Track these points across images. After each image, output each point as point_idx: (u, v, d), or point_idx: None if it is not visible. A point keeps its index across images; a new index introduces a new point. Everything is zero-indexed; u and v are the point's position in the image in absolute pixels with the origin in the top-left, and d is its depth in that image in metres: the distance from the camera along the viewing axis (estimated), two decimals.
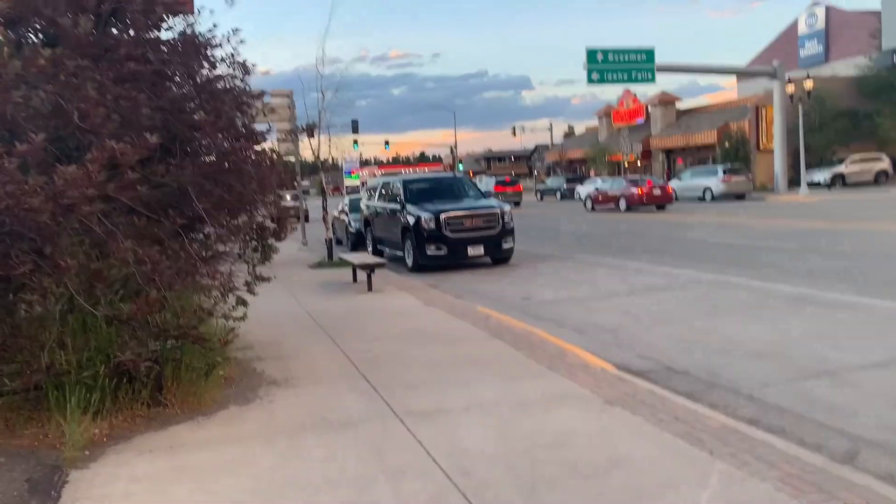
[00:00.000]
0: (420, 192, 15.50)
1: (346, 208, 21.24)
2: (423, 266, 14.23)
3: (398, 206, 15.18)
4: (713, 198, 35.72)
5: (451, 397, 5.54)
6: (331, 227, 15.54)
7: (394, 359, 6.84)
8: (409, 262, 14.51)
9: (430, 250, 13.93)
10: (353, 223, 20.00)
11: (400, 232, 14.91)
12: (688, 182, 38.18)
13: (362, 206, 18.28)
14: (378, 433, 4.84)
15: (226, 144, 5.56)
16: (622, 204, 32.49)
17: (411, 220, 14.32)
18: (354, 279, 12.36)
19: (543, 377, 6.01)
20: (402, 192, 15.36)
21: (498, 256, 14.65)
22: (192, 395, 5.54)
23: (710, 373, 6.34)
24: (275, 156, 7.44)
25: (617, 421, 4.92)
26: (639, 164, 53.76)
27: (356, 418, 5.16)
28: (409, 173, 17.11)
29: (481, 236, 14.06)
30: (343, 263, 14.66)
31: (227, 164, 5.67)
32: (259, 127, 7.39)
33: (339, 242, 22.38)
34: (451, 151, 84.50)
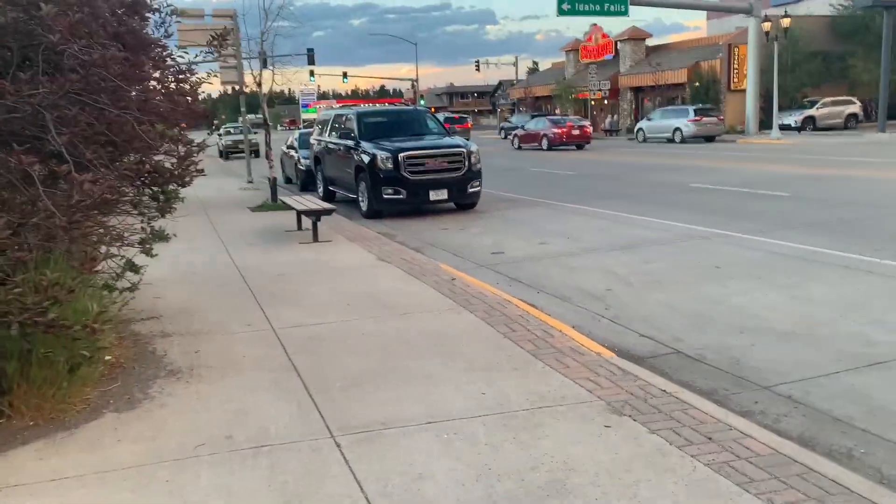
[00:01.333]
0: (376, 128, 13.83)
1: (296, 143, 19.39)
2: (379, 212, 12.70)
3: (351, 143, 13.51)
4: (682, 139, 34.58)
5: (406, 402, 4.14)
6: (275, 165, 13.84)
7: (335, 338, 5.40)
8: (364, 206, 12.96)
9: (387, 194, 12.38)
10: (302, 160, 18.22)
11: (353, 172, 13.29)
12: (657, 122, 36.92)
13: (312, 141, 16.52)
14: (302, 467, 3.43)
15: (95, 55, 3.94)
16: (544, 143, 34.09)
17: (366, 160, 12.70)
18: (299, 226, 10.80)
19: (528, 369, 4.65)
20: (356, 126, 13.67)
21: (463, 202, 13.18)
22: (51, 400, 4.05)
23: (731, 360, 5.06)
24: (187, 79, 5.81)
25: (631, 444, 3.59)
26: (605, 103, 52.26)
27: (274, 438, 3.74)
28: (367, 107, 15.62)
29: (445, 179, 12.54)
30: (288, 206, 13.09)
31: (99, 82, 4.05)
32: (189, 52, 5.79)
33: (289, 181, 20.63)
34: (413, 86, 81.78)
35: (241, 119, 20.02)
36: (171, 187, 5.85)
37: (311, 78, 75.97)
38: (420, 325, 5.69)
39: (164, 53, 5.28)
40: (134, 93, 4.01)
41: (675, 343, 5.46)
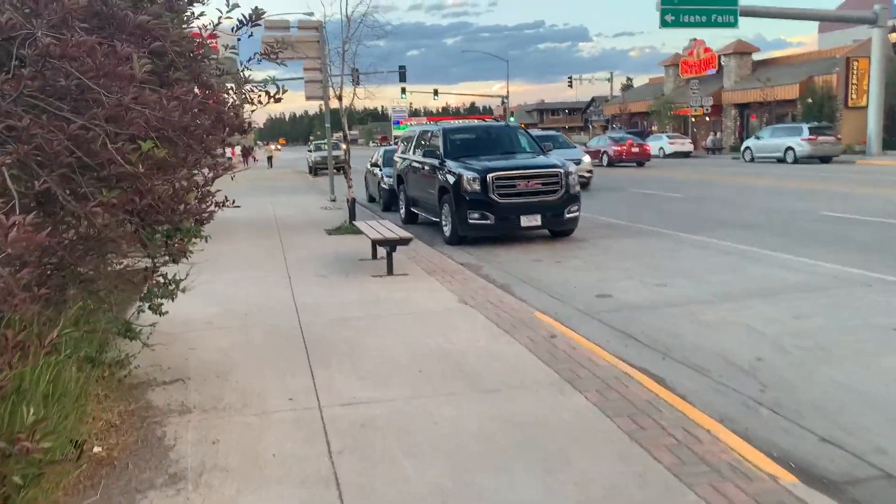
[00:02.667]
0: (464, 145, 12.53)
1: (380, 161, 18.37)
2: (463, 238, 11.35)
3: (436, 162, 12.25)
4: (795, 160, 31.75)
5: None
6: (353, 184, 12.74)
7: (395, 428, 4.02)
8: (447, 231, 11.64)
9: (473, 218, 11.02)
10: (385, 179, 17.14)
11: (437, 193, 12.01)
12: (767, 141, 34.13)
13: (395, 158, 15.39)
14: None
15: (47, 40, 2.74)
16: (604, 160, 34.09)
17: (451, 180, 11.40)
18: (374, 255, 9.56)
19: None
20: (441, 143, 12.41)
21: (559, 228, 11.67)
22: None
23: None
24: (222, 88, 4.65)
25: None
26: (707, 119, 49.43)
27: None
28: (455, 123, 14.62)
29: (538, 202, 11.06)
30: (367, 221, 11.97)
31: (63, 80, 2.84)
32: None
33: (372, 200, 19.63)
34: (503, 102, 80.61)
35: (328, 135, 19.17)
36: (186, 225, 4.63)
37: (403, 95, 76.11)
38: (510, 410, 4.24)
39: (190, 50, 4.05)
40: (112, 97, 2.78)
41: (877, 457, 3.80)
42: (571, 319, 6.63)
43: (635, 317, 6.75)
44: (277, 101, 4.56)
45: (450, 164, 11.76)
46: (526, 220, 11.00)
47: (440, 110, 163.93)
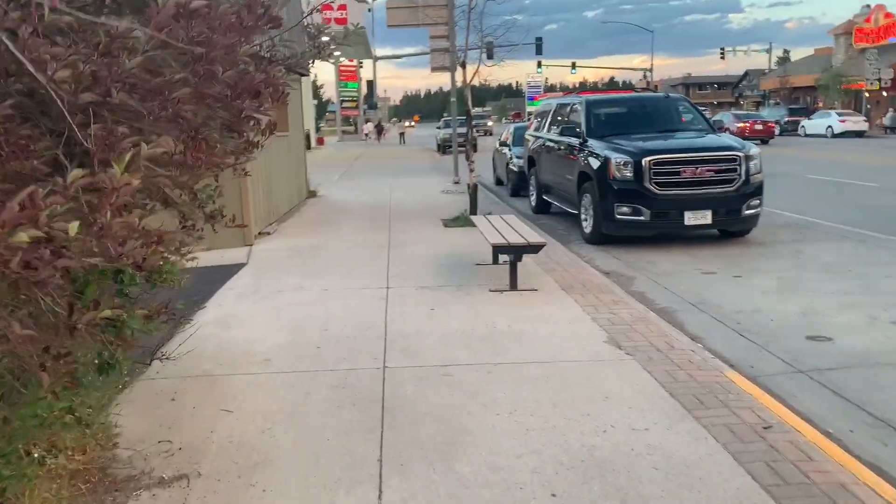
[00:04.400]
0: (611, 121, 10.28)
1: (510, 139, 16.33)
2: (607, 237, 9.17)
3: (576, 142, 10.10)
4: None
5: None
6: (475, 167, 10.78)
7: None
8: (586, 228, 9.49)
9: (622, 213, 8.81)
10: (515, 160, 15.11)
11: (575, 180, 9.88)
12: None
13: (527, 137, 13.32)
14: None
15: None
16: None
17: (594, 164, 9.23)
18: (495, 259, 7.63)
19: None
20: (583, 119, 10.22)
21: (734, 228, 9.24)
22: None
23: None
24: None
25: None
26: (884, 94, 43.41)
27: None
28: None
29: (709, 195, 8.68)
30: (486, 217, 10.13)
31: None
32: None
33: (499, 182, 17.67)
34: (644, 76, 75.90)
35: (454, 110, 17.43)
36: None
37: (539, 69, 73.36)
38: None
39: None
40: None
41: None
42: (784, 385, 4.40)
43: (877, 379, 4.43)
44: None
45: (593, 144, 9.57)
46: (691, 218, 8.65)
47: (577, 85, 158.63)
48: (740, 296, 6.65)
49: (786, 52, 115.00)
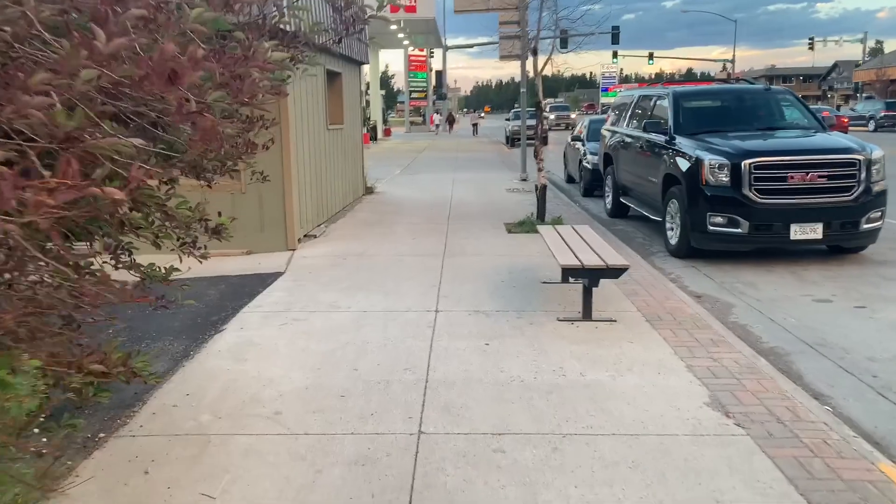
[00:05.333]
0: (703, 117, 9.00)
1: (584, 133, 15.08)
2: (697, 251, 7.94)
3: (661, 139, 8.88)
4: None
5: None
6: (544, 165, 9.61)
7: None
8: (672, 239, 8.28)
9: (716, 224, 7.57)
10: (589, 156, 13.88)
11: (660, 183, 8.67)
12: None
13: (604, 132, 12.09)
14: None
15: None
16: None
17: (683, 165, 8.01)
18: (565, 277, 6.54)
19: None
20: (671, 113, 8.97)
21: (850, 245, 7.88)
22: None
23: None
24: None
25: None
26: None
27: None
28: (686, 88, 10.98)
29: (820, 205, 7.36)
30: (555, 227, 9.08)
31: None
32: None
33: (571, 180, 16.46)
34: (724, 67, 72.54)
35: (523, 101, 16.28)
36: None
37: (615, 60, 71.12)
38: None
39: None
40: None
41: None
42: None
43: None
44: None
45: (682, 142, 8.34)
46: (799, 231, 7.34)
47: (652, 76, 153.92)
48: (869, 334, 5.38)
49: (878, 42, 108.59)
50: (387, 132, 44.37)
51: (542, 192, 9.60)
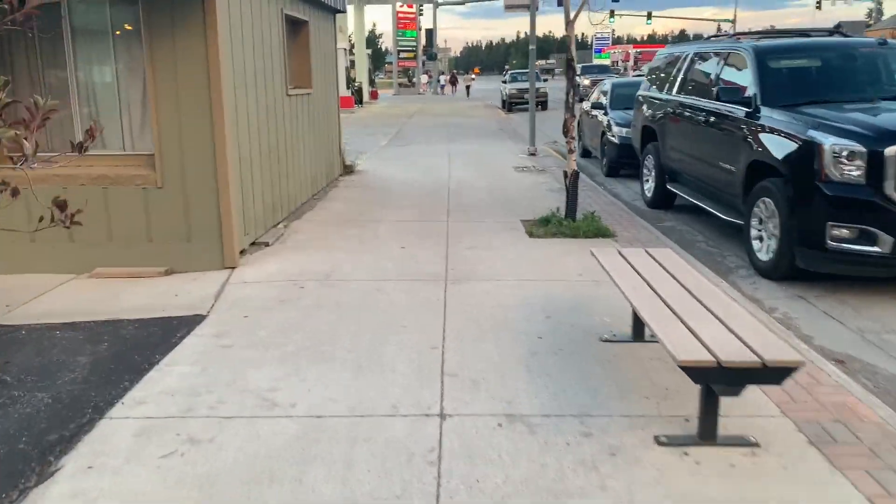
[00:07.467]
0: (799, 81, 6.59)
1: (606, 100, 12.57)
2: (799, 271, 5.58)
3: (740, 111, 6.47)
4: None
5: None
6: (576, 146, 7.24)
7: None
8: (762, 253, 5.92)
9: (840, 238, 5.22)
10: (615, 129, 11.42)
11: (741, 172, 6.29)
12: None
13: (640, 97, 9.64)
14: None
15: None
16: None
17: (782, 150, 5.63)
18: (636, 333, 4.18)
19: None
20: (754, 77, 6.55)
21: None
22: None
23: None
24: None
25: None
26: None
27: None
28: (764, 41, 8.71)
29: None
30: (594, 230, 6.77)
31: None
32: None
33: (586, 154, 14.02)
34: (720, 29, 69.58)
35: (532, 59, 13.80)
36: None
37: (611, 19, 67.97)
38: None
39: None
40: None
41: None
42: None
43: None
44: None
45: (775, 117, 5.94)
46: None
47: (645, 38, 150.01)
48: None
49: (878, 2, 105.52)
50: (373, 95, 41.48)
51: (573, 182, 7.19)
